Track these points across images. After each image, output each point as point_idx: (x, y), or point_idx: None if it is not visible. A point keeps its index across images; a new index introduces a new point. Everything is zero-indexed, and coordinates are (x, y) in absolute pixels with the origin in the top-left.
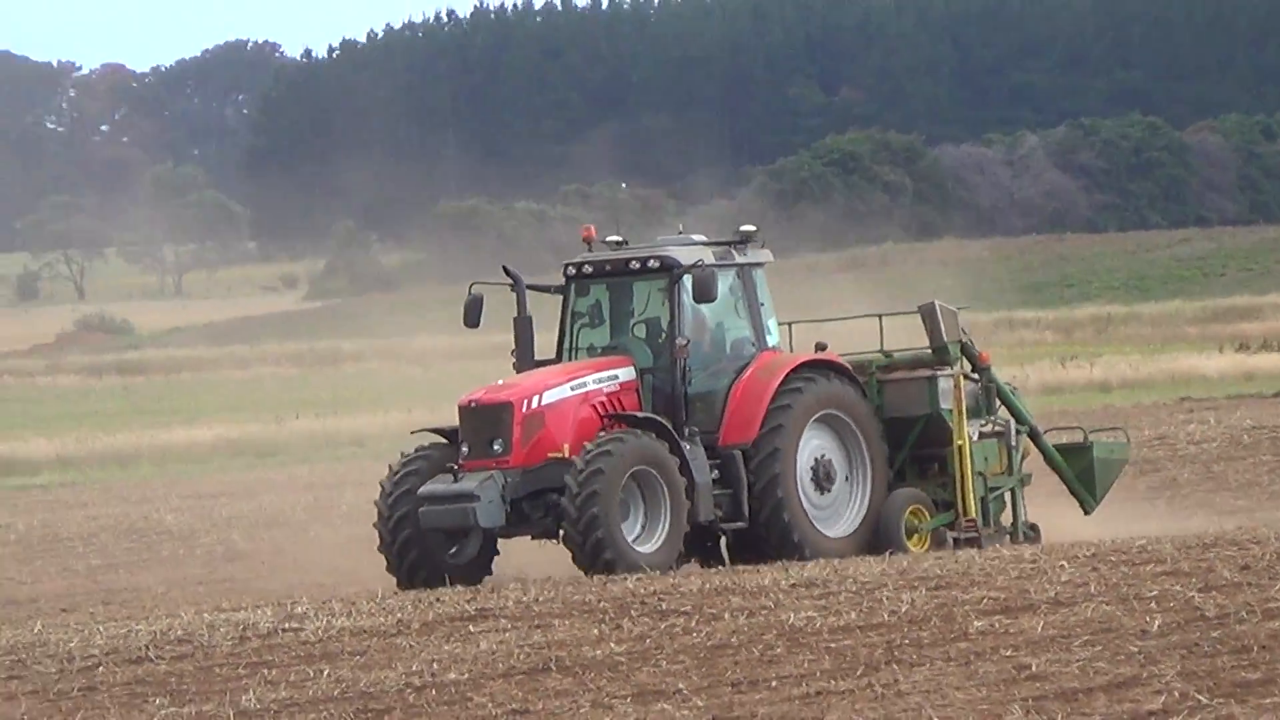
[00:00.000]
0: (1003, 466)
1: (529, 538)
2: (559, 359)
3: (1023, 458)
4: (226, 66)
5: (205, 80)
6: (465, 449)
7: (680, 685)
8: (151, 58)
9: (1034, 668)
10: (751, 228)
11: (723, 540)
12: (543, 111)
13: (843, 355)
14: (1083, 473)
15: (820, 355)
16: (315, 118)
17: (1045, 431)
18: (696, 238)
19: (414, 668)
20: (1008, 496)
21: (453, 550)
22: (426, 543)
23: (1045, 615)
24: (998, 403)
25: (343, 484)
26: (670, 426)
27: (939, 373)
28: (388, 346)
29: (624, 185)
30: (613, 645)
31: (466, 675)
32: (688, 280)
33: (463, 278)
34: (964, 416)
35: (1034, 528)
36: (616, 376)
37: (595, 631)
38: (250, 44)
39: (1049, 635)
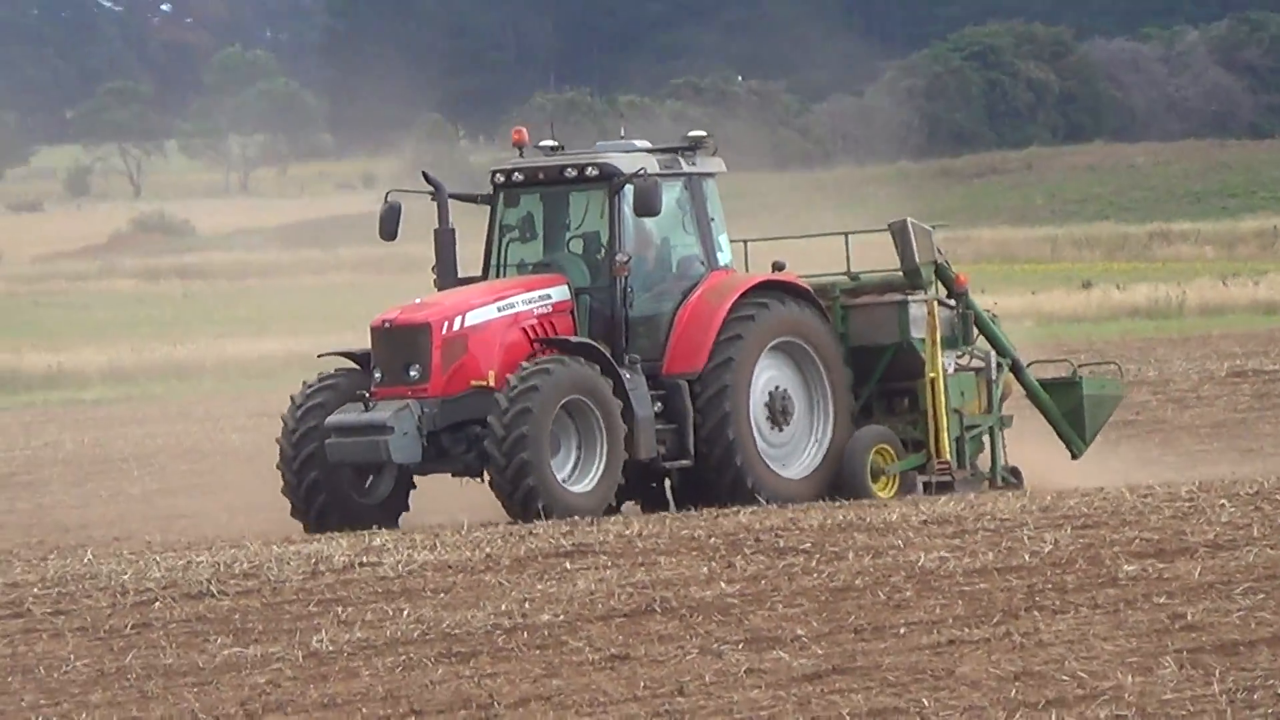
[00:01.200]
0: (981, 403)
1: (450, 475)
2: (485, 276)
3: (1004, 395)
4: None
5: None
6: (378, 375)
7: (798, 631)
8: None
9: (1190, 617)
10: (701, 133)
11: (667, 481)
12: None
13: (804, 276)
14: (1071, 412)
15: (777, 276)
16: (398, 1)
17: (1029, 365)
18: (640, 143)
19: (503, 608)
20: (986, 437)
21: (366, 486)
22: (336, 482)
23: (1203, 560)
24: (976, 332)
25: None
26: (608, 353)
27: (910, 298)
28: (475, 251)
29: (740, 78)
30: (723, 585)
31: (561, 616)
32: (629, 191)
33: None
34: (938, 347)
35: (1015, 472)
36: (549, 296)
37: (704, 570)
38: None
39: (1207, 581)
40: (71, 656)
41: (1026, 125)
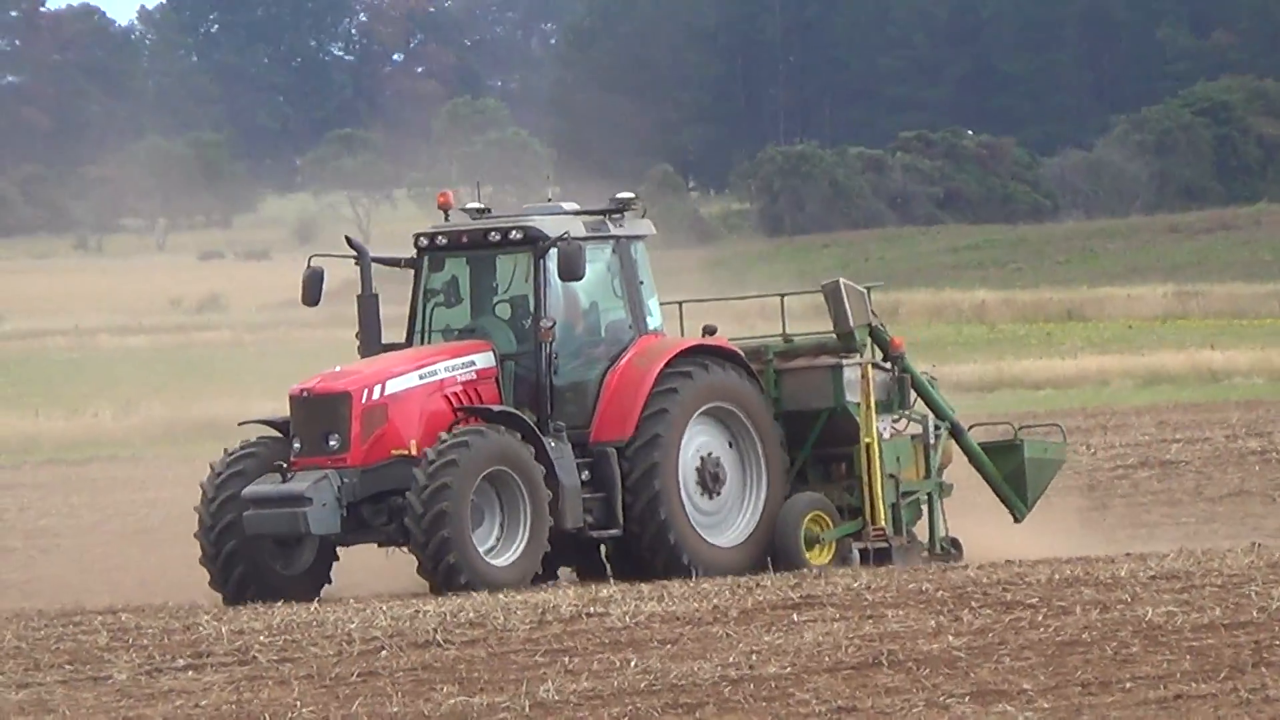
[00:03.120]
0: (919, 469)
1: (374, 544)
2: (409, 342)
3: (944, 462)
4: None
5: (509, 7)
6: (297, 445)
7: (1024, 684)
8: None
9: None
10: (629, 194)
11: (603, 548)
12: (880, 49)
13: (736, 340)
14: (1012, 475)
15: (707, 340)
16: (629, 52)
17: (969, 429)
18: (568, 206)
19: (730, 659)
20: (924, 504)
21: (283, 561)
22: (255, 553)
23: None
24: (913, 396)
25: None
26: (533, 421)
27: (844, 361)
28: (704, 305)
29: (969, 132)
30: (950, 638)
31: (788, 669)
32: (554, 254)
33: (787, 230)
34: (873, 410)
35: (954, 542)
36: (473, 363)
37: (932, 623)
38: None
39: None
40: (297, 704)
41: (1256, 181)
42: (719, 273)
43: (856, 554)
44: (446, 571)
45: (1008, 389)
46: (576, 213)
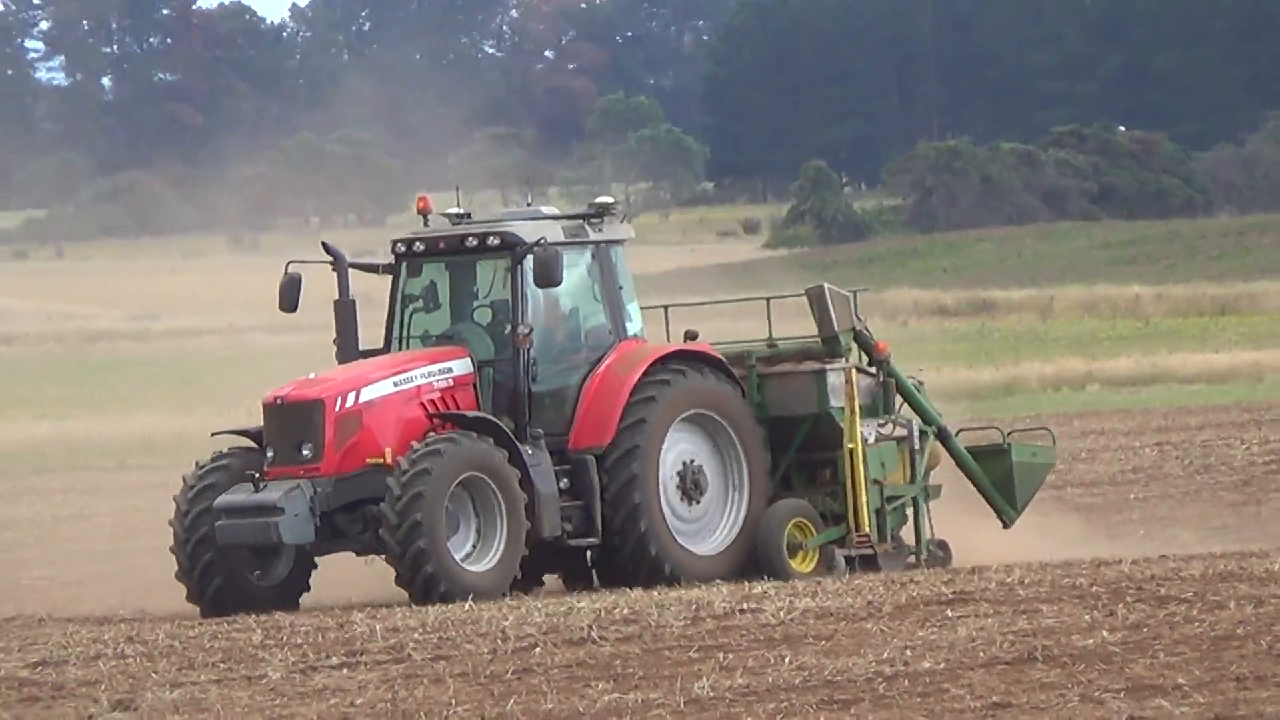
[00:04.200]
0: (904, 474)
1: (351, 553)
2: (387, 348)
3: (932, 465)
4: None
5: (661, 4)
6: (270, 454)
7: (1179, 680)
8: None
9: None
10: (609, 199)
11: (589, 554)
12: (1032, 44)
13: (719, 345)
14: (1000, 479)
15: (689, 345)
16: (781, 48)
17: (957, 433)
18: (547, 210)
19: (884, 655)
20: (910, 509)
21: (260, 571)
22: (230, 564)
23: None
24: (898, 400)
25: None
26: (510, 428)
27: (828, 366)
28: (859, 301)
29: (1121, 128)
30: (1105, 634)
31: (943, 664)
32: (531, 260)
33: (940, 226)
34: (857, 416)
35: (943, 546)
36: (450, 370)
37: (1086, 618)
38: None
39: None
40: (452, 702)
41: None
42: (872, 268)
43: (842, 560)
44: (425, 581)
45: (1161, 384)
46: (555, 218)
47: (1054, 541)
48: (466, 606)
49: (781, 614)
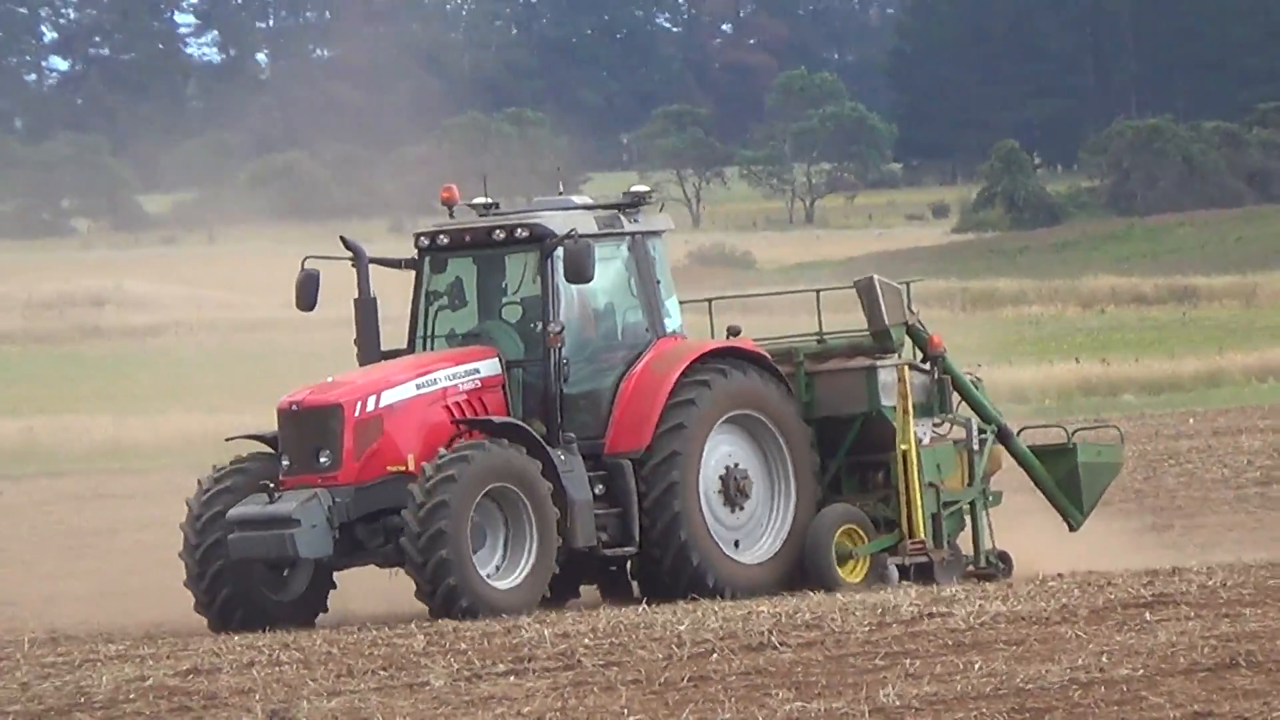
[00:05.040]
0: (962, 477)
1: (371, 566)
2: (411, 349)
3: (993, 469)
4: None
5: None
6: (286, 462)
7: None
8: None
9: None
10: (644, 188)
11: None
12: (1235, 17)
13: (764, 341)
14: (1065, 480)
15: (731, 342)
16: (971, 22)
17: (1019, 432)
18: (579, 200)
19: (1079, 661)
20: (968, 515)
21: (274, 586)
22: (244, 575)
23: None
24: (955, 398)
25: None
26: (540, 432)
27: (879, 362)
28: (1050, 288)
29: None
30: None
31: (1141, 671)
32: (561, 254)
33: (1139, 209)
34: (910, 415)
35: (1004, 557)
36: (477, 371)
37: None
38: None
39: None
40: (624, 711)
41: None
42: (1067, 254)
43: (895, 570)
44: (446, 595)
45: None
46: (588, 207)
47: (1135, 551)
48: (640, 610)
49: (971, 618)
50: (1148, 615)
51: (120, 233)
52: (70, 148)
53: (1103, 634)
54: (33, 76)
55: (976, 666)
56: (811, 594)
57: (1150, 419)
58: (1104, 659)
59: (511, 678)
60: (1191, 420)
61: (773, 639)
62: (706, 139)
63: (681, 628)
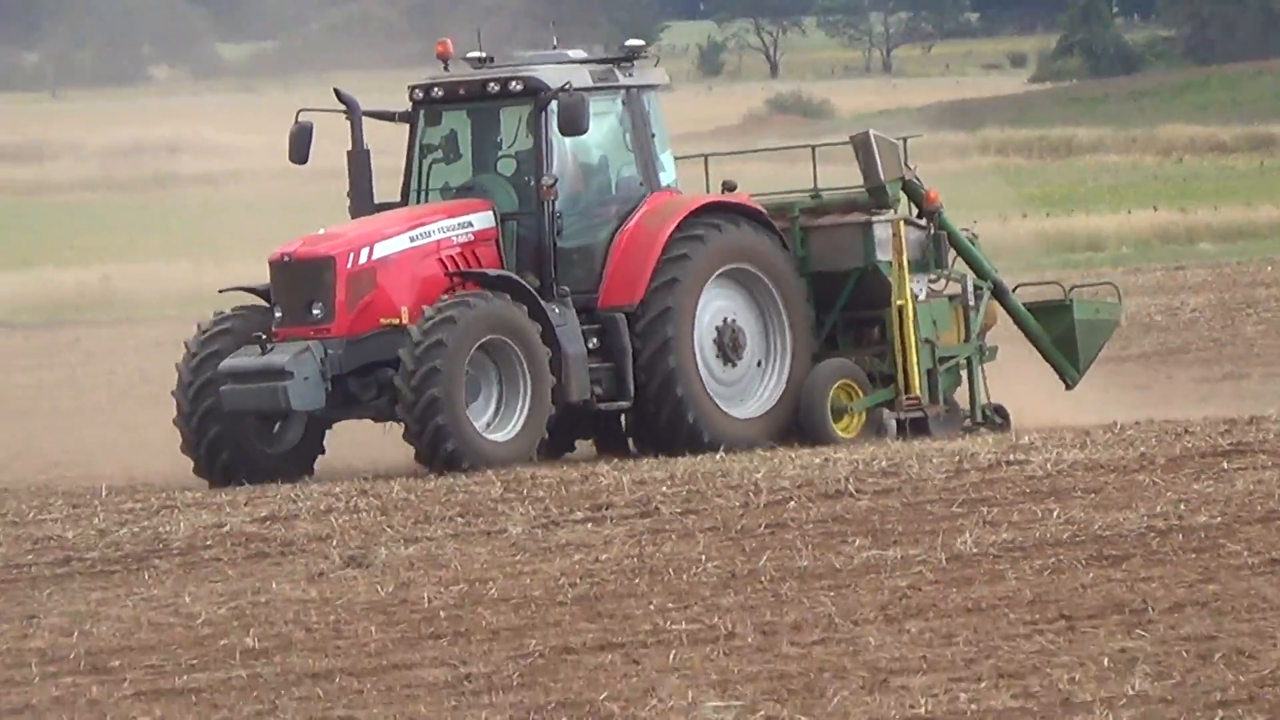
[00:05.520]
0: (958, 333)
1: (365, 419)
2: (404, 202)
3: (988, 325)
4: None
5: None
6: (278, 314)
7: None
8: None
9: None
10: (639, 42)
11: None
12: None
13: (760, 196)
14: (1061, 337)
15: (726, 196)
16: None
17: (1015, 289)
18: (574, 53)
19: (1157, 509)
20: (964, 370)
21: (268, 439)
22: (239, 434)
23: None
24: (951, 254)
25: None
26: (533, 285)
27: (875, 218)
28: (1128, 137)
29: None
30: None
31: (1218, 518)
32: (555, 107)
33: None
34: (905, 270)
35: (1000, 410)
36: (470, 224)
37: None
38: None
39: None
40: (702, 557)
41: None
42: (1144, 103)
43: (893, 424)
44: (434, 434)
45: None
46: (583, 61)
47: (1120, 404)
48: (716, 458)
49: (1048, 466)
50: (1225, 464)
51: (198, 80)
52: None
53: (1180, 482)
54: None
55: (1054, 514)
56: (891, 443)
57: (1228, 267)
58: (1181, 506)
59: (588, 525)
60: (1269, 268)
61: (849, 486)
62: None
63: (758, 475)
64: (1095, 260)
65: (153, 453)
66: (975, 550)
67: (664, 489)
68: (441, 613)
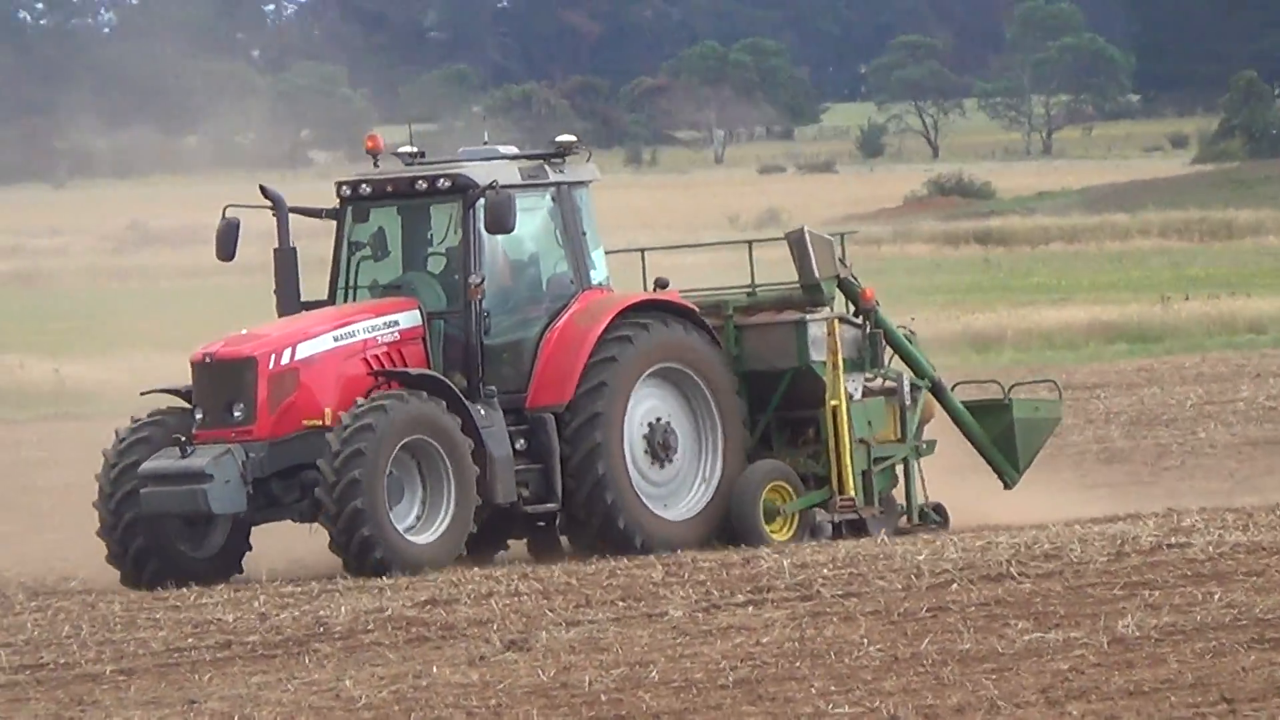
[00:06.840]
0: (894, 431)
1: (288, 521)
2: (332, 300)
3: (924, 420)
4: None
5: None
6: (199, 415)
7: None
8: None
9: None
10: (570, 138)
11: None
12: None
13: (693, 294)
14: (1000, 436)
15: (658, 294)
16: None
17: (953, 387)
18: (505, 149)
19: None
20: (900, 469)
21: (191, 541)
22: (158, 529)
23: None
24: (887, 353)
25: (1238, 375)
26: (460, 386)
27: (809, 316)
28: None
29: None
30: None
31: None
32: (482, 205)
33: None
34: (840, 370)
35: (938, 509)
36: (397, 323)
37: None
38: None
39: None
40: (864, 641)
41: None
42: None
43: (828, 527)
44: (360, 545)
45: None
46: (514, 157)
47: (1068, 501)
48: (879, 541)
49: (1210, 548)
50: None
51: (357, 164)
52: (307, 78)
53: None
54: (270, 7)
55: (1216, 597)
56: (1051, 526)
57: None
58: None
59: (750, 608)
60: None
61: (1011, 569)
62: (943, 70)
63: (920, 558)
64: (1258, 343)
65: (313, 535)
66: (1137, 633)
67: (825, 571)
68: (603, 696)
